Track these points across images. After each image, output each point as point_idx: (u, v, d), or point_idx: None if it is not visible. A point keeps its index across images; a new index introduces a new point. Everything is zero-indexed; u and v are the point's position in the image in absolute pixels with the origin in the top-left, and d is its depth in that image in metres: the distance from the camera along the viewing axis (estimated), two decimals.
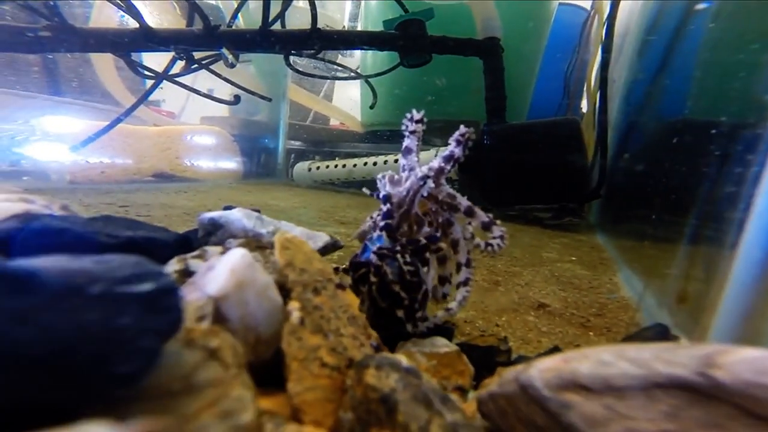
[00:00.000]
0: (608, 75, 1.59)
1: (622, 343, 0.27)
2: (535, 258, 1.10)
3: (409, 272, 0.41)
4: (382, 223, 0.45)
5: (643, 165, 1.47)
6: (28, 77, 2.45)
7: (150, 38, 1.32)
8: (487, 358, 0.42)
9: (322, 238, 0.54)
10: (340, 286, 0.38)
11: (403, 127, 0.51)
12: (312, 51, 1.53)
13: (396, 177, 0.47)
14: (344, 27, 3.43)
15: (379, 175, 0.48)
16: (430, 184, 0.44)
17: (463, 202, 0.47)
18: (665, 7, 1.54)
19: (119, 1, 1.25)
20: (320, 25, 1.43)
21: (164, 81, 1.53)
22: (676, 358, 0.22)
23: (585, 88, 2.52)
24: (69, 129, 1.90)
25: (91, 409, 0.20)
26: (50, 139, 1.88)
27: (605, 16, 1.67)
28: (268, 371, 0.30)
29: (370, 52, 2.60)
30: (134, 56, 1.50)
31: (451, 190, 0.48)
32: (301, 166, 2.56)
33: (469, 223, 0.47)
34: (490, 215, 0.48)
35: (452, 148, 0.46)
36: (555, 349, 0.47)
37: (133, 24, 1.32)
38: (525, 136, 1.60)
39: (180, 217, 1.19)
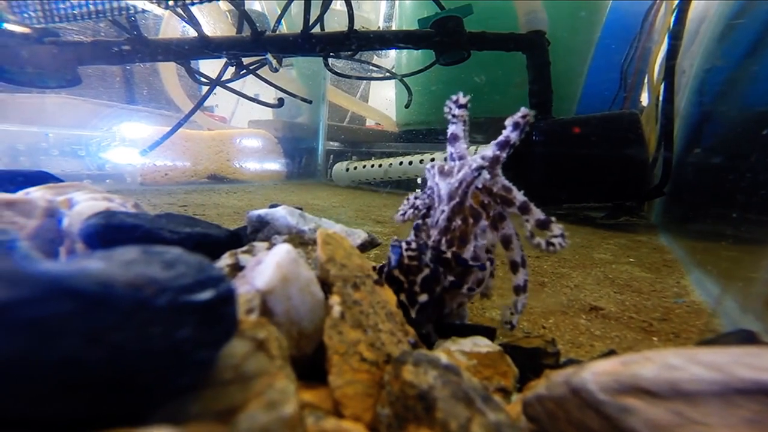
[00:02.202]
0: (676, 64, 1.45)
1: (692, 348, 0.25)
2: (586, 259, 1.03)
3: (409, 257, 0.39)
4: (414, 223, 0.44)
5: (722, 159, 1.33)
6: (113, 88, 2.76)
7: (206, 45, 1.42)
8: (532, 360, 0.40)
9: (361, 236, 0.55)
10: (378, 282, 0.38)
11: (446, 110, 0.48)
12: (349, 52, 1.56)
13: (446, 167, 0.44)
14: (379, 27, 3.46)
15: (428, 166, 0.46)
16: (485, 175, 0.41)
17: (519, 196, 0.43)
18: None
19: (182, 12, 1.35)
20: (356, 26, 1.45)
21: (217, 87, 1.64)
22: (761, 363, 0.20)
23: (646, 80, 2.33)
24: (140, 135, 2.12)
25: (150, 414, 0.21)
26: (126, 145, 2.11)
27: (675, 2, 1.54)
28: (309, 365, 0.31)
29: (404, 51, 2.60)
30: (192, 64, 1.62)
31: (506, 183, 0.44)
32: (340, 167, 2.62)
33: (527, 221, 0.43)
34: (545, 212, 0.43)
35: (508, 132, 0.42)
36: (611, 353, 0.44)
37: (192, 34, 1.43)
38: (578, 130, 1.51)
39: (230, 216, 1.27)
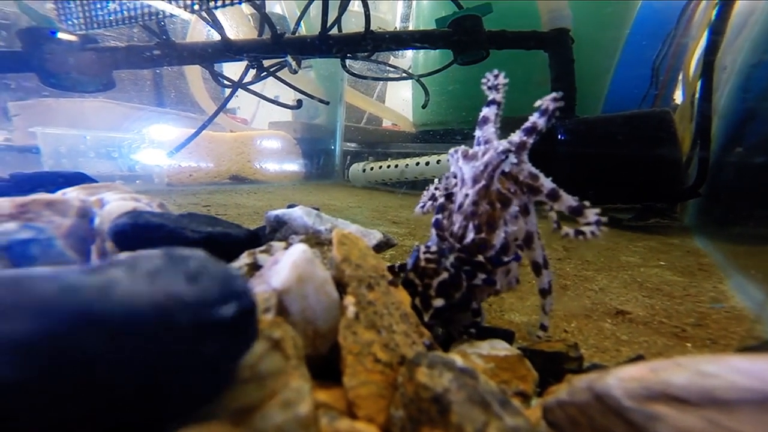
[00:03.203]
0: (716, 60, 1.38)
1: (728, 354, 0.23)
2: (612, 262, 0.99)
3: (426, 259, 0.38)
4: (433, 219, 0.42)
5: (767, 158, 1.25)
6: (143, 91, 2.89)
7: (229, 48, 1.46)
8: (553, 364, 0.39)
9: (376, 236, 0.55)
10: (393, 283, 0.38)
11: (484, 81, 0.47)
12: (366, 53, 1.57)
13: (471, 151, 0.43)
14: (396, 28, 3.46)
15: (452, 151, 0.44)
16: (512, 159, 0.39)
17: (547, 183, 0.40)
18: None
19: (206, 16, 1.40)
20: (373, 27, 1.45)
21: (239, 89, 1.68)
22: None
23: (681, 77, 2.22)
24: (167, 136, 2.21)
25: (170, 420, 0.21)
26: (155, 146, 2.21)
27: None
28: (324, 365, 0.31)
29: (421, 51, 2.58)
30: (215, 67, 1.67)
31: (533, 169, 0.41)
32: (356, 167, 2.64)
33: (551, 209, 0.40)
34: (576, 198, 0.40)
35: (535, 118, 0.40)
36: (639, 359, 0.42)
37: (216, 37, 1.48)
38: (606, 129, 1.46)
39: (250, 216, 1.30)
